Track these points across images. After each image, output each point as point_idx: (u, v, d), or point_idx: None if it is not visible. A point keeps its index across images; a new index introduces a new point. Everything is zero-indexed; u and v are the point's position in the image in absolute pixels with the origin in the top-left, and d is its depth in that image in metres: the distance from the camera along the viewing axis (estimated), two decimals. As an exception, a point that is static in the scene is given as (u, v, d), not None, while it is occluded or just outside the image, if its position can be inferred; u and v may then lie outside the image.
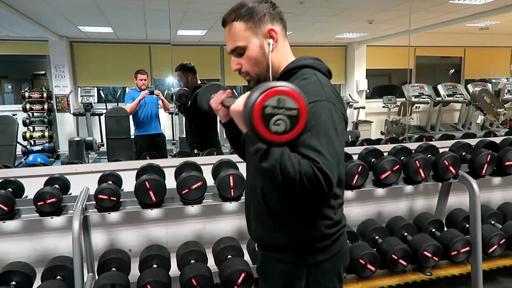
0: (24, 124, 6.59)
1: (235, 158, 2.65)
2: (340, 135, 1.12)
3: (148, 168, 2.46)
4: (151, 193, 2.18)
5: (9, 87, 9.20)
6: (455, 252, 2.56)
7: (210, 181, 2.35)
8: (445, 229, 2.82)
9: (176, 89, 3.57)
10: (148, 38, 7.33)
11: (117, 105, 6.74)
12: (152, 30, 6.57)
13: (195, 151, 3.50)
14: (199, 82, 3.55)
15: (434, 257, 2.52)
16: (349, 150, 2.74)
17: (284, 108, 0.96)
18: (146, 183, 2.18)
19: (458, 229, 2.75)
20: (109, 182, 2.36)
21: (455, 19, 6.14)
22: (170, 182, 2.34)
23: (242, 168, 2.47)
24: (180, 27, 6.28)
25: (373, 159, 2.63)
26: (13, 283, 2.17)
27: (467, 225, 2.75)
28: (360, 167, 2.44)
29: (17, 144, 6.03)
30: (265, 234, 1.27)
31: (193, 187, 2.21)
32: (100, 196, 2.17)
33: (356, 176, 2.43)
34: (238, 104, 1.06)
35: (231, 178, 2.26)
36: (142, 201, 2.21)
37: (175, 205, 2.31)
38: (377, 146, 2.85)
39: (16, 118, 6.28)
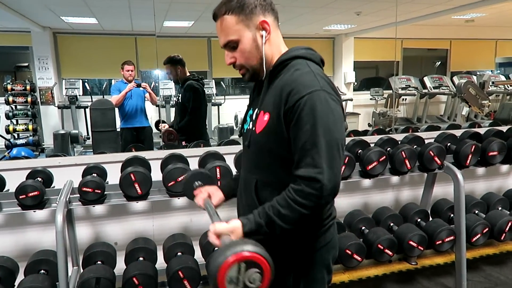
0: (7, 117, 6.46)
1: (222, 150, 2.63)
2: (338, 121, 1.12)
3: (134, 160, 2.43)
4: (136, 185, 2.15)
5: (-9, 79, 9.00)
6: (440, 242, 2.60)
7: (196, 173, 2.33)
8: (430, 219, 2.86)
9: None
10: (134, 30, 7.21)
11: (103, 97, 6.64)
12: (138, 21, 6.46)
13: (183, 143, 3.48)
14: (187, 74, 3.53)
15: (419, 247, 2.56)
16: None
17: (245, 274, 0.93)
18: (132, 175, 2.15)
19: (443, 218, 2.79)
20: (93, 174, 2.32)
21: (441, 11, 6.18)
22: (156, 175, 2.31)
23: (230, 160, 2.46)
24: (166, 18, 6.19)
25: (360, 150, 2.63)
26: (-4, 278, 2.13)
27: (452, 215, 2.79)
28: (347, 158, 2.45)
29: (0, 138, 5.92)
30: None
31: (179, 179, 2.19)
32: (84, 188, 2.13)
33: (343, 167, 2.43)
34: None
35: (217, 169, 2.24)
36: (128, 193, 2.17)
37: (161, 197, 2.29)
38: (363, 137, 2.85)
39: (-2, 111, 6.17)
